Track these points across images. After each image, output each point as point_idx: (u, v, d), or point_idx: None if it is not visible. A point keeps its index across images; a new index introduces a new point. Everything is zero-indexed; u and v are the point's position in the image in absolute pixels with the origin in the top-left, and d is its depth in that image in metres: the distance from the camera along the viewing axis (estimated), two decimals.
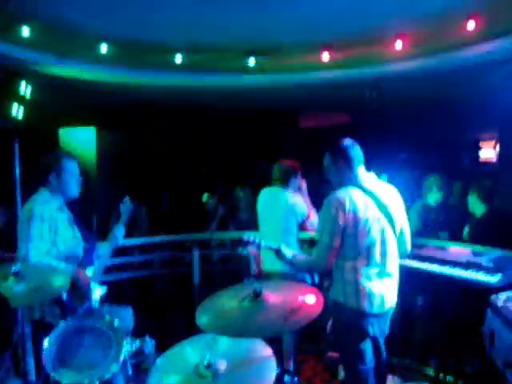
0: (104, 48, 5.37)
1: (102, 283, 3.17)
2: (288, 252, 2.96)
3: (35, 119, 6.25)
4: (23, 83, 5.86)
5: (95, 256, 3.23)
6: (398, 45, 5.34)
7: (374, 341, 2.82)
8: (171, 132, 8.74)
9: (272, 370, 2.02)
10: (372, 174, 2.89)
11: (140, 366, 2.71)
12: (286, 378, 2.59)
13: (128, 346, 2.67)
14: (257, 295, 2.03)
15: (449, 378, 4.03)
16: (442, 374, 4.08)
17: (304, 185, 4.25)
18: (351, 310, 2.71)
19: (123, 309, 3.24)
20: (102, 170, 6.87)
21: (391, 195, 2.89)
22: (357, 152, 2.86)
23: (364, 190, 2.75)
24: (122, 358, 2.46)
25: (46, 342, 2.41)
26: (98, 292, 3.08)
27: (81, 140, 6.65)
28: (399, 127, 11.64)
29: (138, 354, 2.74)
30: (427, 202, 5.00)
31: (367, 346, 2.77)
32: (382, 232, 2.75)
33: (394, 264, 2.83)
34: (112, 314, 2.69)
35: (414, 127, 11.83)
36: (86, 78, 6.11)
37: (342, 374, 4.00)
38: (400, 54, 5.51)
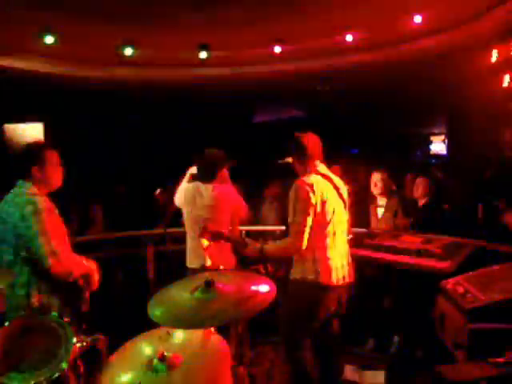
0: (49, 39, 5.18)
1: None
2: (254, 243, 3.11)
3: None
4: None
5: None
6: (349, 37, 5.41)
7: (330, 315, 3.06)
8: (126, 125, 8.56)
9: (228, 362, 2.01)
10: (323, 165, 3.18)
11: (92, 364, 2.62)
12: (242, 369, 2.56)
13: (79, 344, 2.57)
14: (208, 285, 2.00)
15: (402, 362, 4.12)
16: (395, 360, 4.16)
17: (226, 174, 3.93)
18: (313, 284, 2.95)
19: None
20: None
21: (340, 182, 3.22)
22: (318, 143, 3.16)
23: (323, 177, 3.07)
24: (72, 356, 2.37)
25: None
26: None
27: (27, 135, 6.39)
28: (351, 122, 11.84)
29: (90, 352, 2.65)
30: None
31: (319, 320, 3.01)
32: (337, 213, 3.05)
33: (345, 242, 3.18)
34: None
35: (367, 122, 12.03)
36: (27, 69, 5.86)
37: None
38: (350, 46, 5.59)
